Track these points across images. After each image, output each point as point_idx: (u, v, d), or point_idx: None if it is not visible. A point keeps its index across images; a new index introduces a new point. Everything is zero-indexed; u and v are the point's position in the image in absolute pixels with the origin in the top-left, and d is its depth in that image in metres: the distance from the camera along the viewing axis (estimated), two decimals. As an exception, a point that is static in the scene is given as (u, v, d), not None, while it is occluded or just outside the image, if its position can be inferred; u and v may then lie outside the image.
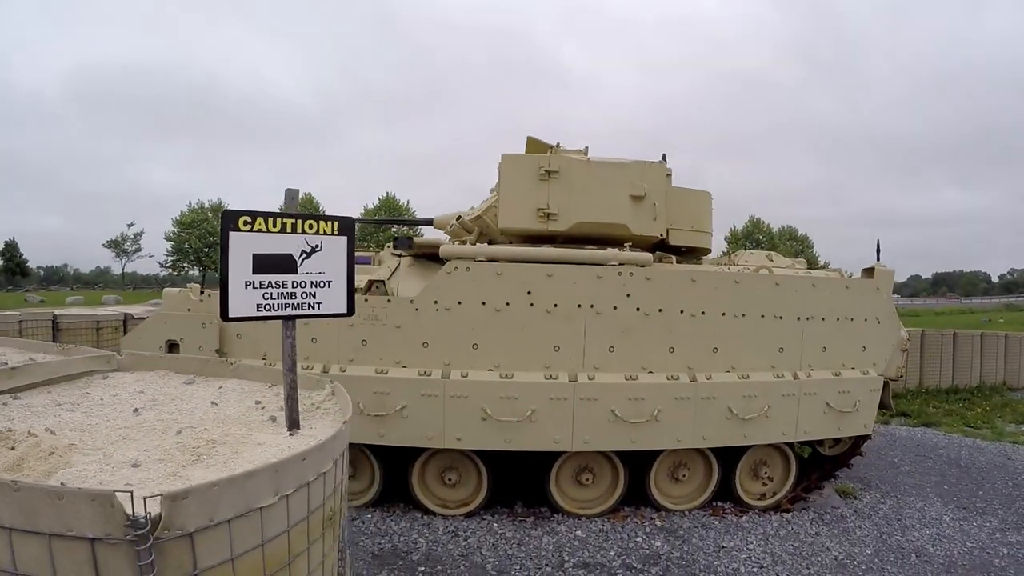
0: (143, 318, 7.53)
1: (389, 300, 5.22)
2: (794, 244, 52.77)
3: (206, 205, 39.51)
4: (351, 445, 5.68)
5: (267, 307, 2.37)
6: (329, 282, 2.54)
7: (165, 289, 6.24)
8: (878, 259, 6.30)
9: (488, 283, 5.08)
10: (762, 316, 5.55)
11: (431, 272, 5.65)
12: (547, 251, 5.16)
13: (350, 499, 5.75)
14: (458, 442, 5.09)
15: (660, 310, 5.28)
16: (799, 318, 5.68)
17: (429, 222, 7.25)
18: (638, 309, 5.22)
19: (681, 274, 5.37)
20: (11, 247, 50.33)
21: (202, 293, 5.97)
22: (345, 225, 2.58)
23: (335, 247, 2.55)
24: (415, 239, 5.41)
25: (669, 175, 6.14)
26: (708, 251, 6.77)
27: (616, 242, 5.54)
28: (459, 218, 6.11)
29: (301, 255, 2.47)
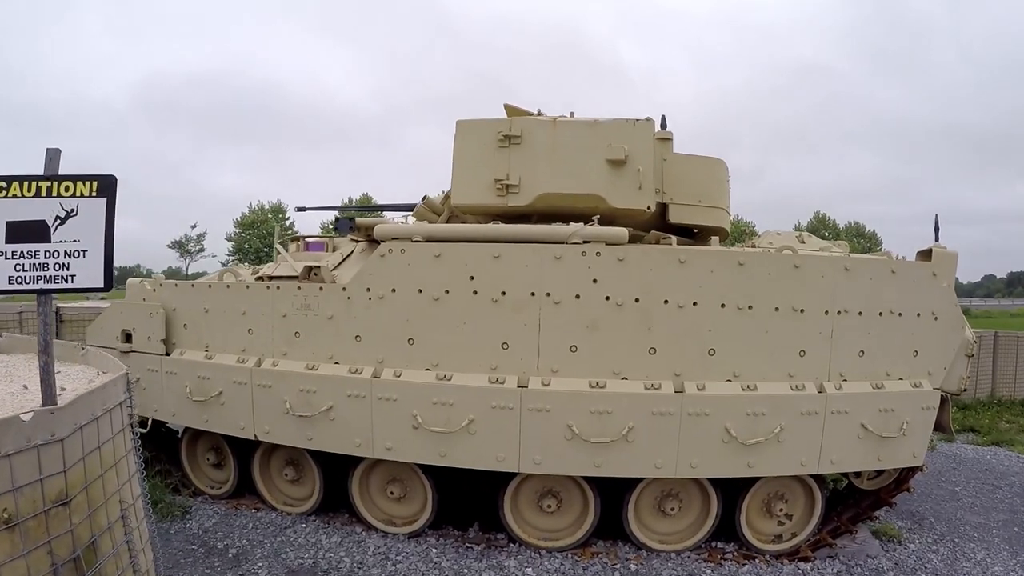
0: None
1: (321, 288, 4.20)
2: (862, 241, 47.42)
3: (266, 206, 39.30)
4: (286, 447, 4.71)
5: (19, 279, 2.05)
6: (84, 251, 2.11)
7: (128, 279, 5.56)
8: (937, 239, 4.60)
9: (425, 267, 3.92)
10: (776, 309, 4.01)
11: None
12: (493, 228, 3.91)
13: (294, 504, 4.80)
14: (388, 452, 3.98)
15: (637, 300, 3.89)
16: (827, 312, 4.06)
17: (411, 208, 6.19)
18: (608, 298, 3.87)
19: (665, 254, 3.95)
20: None
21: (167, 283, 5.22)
22: (104, 185, 2.12)
23: (92, 211, 2.11)
24: (358, 220, 4.37)
25: (668, 139, 4.75)
26: (724, 232, 5.26)
27: (591, 218, 4.21)
28: (425, 198, 5.01)
29: (55, 221, 2.08)
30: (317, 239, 4.96)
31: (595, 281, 3.86)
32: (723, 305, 3.97)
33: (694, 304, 3.97)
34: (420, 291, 3.90)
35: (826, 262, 4.16)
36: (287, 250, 5.22)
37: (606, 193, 4.29)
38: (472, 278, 3.83)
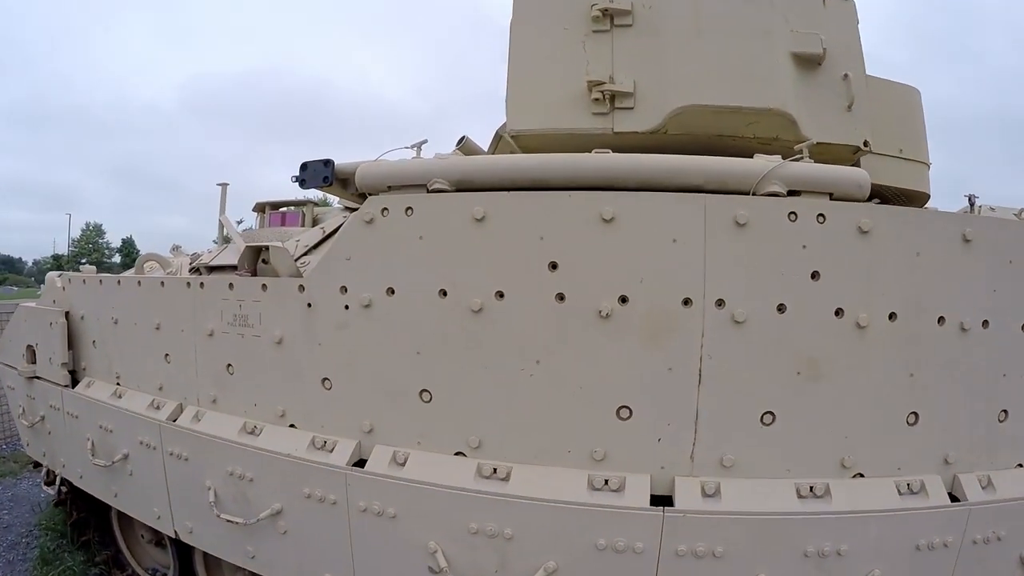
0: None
1: (265, 286, 2.03)
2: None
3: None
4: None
5: None
6: None
7: (49, 272, 3.50)
8: None
9: (453, 243, 1.64)
10: None
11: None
12: (600, 160, 1.58)
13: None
14: (383, 615, 1.81)
15: (892, 316, 1.58)
16: None
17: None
18: (840, 312, 1.57)
19: (939, 223, 1.62)
20: (128, 244, 45.88)
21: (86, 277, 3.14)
22: None
23: None
24: (339, 165, 2.16)
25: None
26: (926, 197, 2.92)
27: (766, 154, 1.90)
28: (463, 140, 2.68)
29: None
30: (292, 207, 2.79)
31: (815, 276, 1.56)
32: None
33: (984, 324, 1.66)
34: (444, 293, 1.66)
35: None
36: (258, 225, 3.06)
37: (795, 110, 1.98)
38: (555, 266, 1.58)
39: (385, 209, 1.68)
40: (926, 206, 2.85)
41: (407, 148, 1.94)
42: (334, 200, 4.23)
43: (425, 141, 1.96)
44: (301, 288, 1.85)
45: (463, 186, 1.64)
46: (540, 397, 1.58)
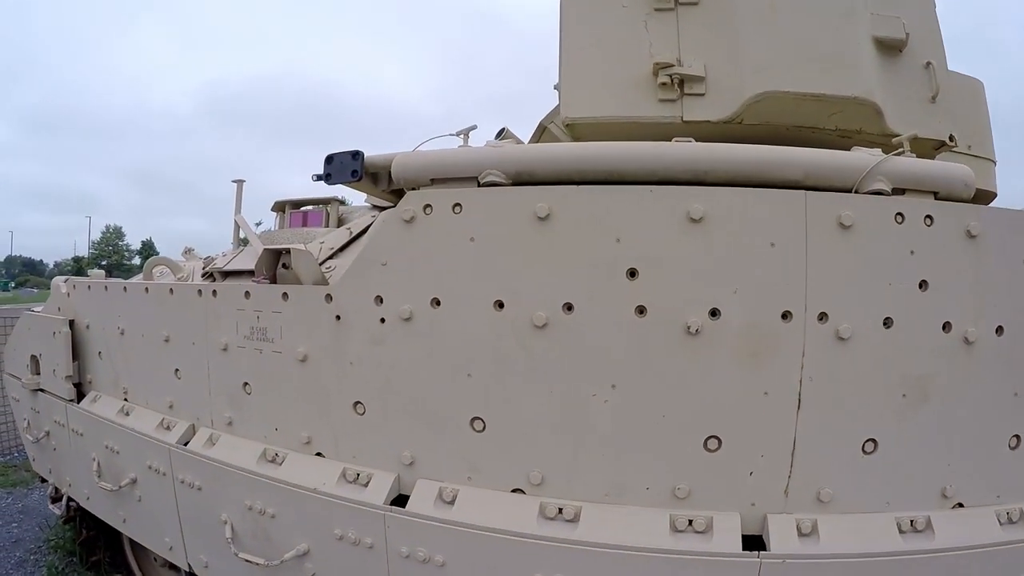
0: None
1: (286, 295, 1.78)
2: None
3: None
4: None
5: None
6: None
7: (55, 277, 3.25)
8: None
9: (510, 245, 1.38)
10: None
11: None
12: (683, 149, 1.33)
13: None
14: (428, 676, 1.57)
15: (999, 330, 1.33)
16: None
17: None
18: (948, 326, 1.31)
19: None
20: (148, 246, 45.39)
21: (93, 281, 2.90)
22: None
23: None
24: (369, 156, 1.90)
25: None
26: (992, 196, 2.66)
27: (846, 147, 1.65)
28: (502, 132, 2.40)
29: None
30: (314, 205, 2.54)
31: (923, 286, 1.31)
32: None
33: None
34: (500, 305, 1.41)
35: None
36: (277, 225, 2.81)
37: (880, 99, 1.72)
38: (634, 273, 1.32)
39: (428, 206, 1.43)
40: (991, 205, 2.60)
41: (453, 135, 1.67)
42: (353, 199, 3.96)
43: (474, 127, 1.70)
44: (328, 297, 1.59)
45: (522, 179, 1.38)
46: (615, 426, 1.32)
